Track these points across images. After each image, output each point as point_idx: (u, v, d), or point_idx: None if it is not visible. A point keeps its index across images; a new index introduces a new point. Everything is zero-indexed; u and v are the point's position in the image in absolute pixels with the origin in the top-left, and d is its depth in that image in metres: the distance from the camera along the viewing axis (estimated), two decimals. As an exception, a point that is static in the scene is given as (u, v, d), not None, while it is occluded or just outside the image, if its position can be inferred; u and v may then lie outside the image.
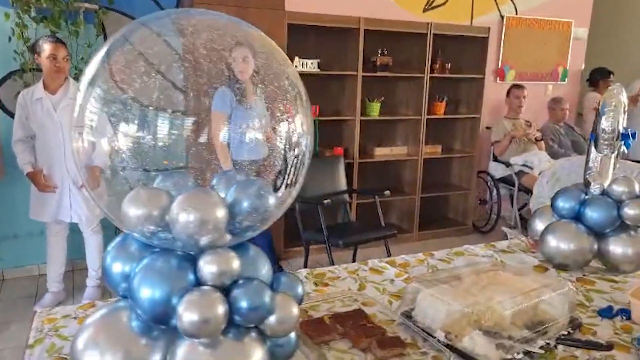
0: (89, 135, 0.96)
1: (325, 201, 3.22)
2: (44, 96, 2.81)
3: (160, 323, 0.90)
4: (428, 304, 1.24)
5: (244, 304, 0.89)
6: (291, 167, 0.91)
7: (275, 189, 0.91)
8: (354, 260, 3.45)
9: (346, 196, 3.87)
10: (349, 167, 4.11)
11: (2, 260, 3.40)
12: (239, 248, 0.99)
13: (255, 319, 0.91)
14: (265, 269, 1.01)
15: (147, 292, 0.88)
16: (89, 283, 3.15)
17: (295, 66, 3.86)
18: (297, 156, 0.92)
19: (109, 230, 3.34)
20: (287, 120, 0.94)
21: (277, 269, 3.26)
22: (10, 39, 3.01)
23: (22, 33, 2.99)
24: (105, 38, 3.43)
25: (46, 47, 2.73)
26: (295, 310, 0.96)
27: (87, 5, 3.14)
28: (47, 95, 2.82)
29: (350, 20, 3.91)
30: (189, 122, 0.96)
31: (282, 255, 3.94)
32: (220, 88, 3.57)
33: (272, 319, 0.94)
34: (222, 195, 0.94)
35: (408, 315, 1.28)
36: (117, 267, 0.98)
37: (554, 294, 1.27)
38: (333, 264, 2.31)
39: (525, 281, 1.33)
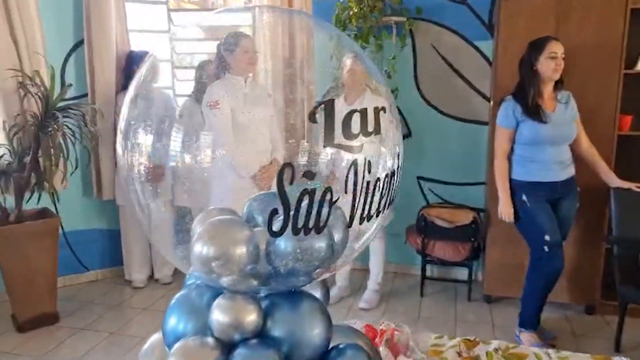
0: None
1: (649, 249, 2.31)
2: (342, 105, 3.08)
3: None
4: None
5: (239, 375, 0.68)
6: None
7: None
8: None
9: None
10: None
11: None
12: (283, 298, 0.77)
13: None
14: (316, 331, 0.75)
15: (172, 321, 0.79)
16: (369, 286, 3.28)
17: (643, 64, 2.92)
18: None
19: (390, 237, 3.39)
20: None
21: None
22: (332, 57, 3.42)
23: (338, 51, 3.35)
24: (414, 48, 3.47)
25: (347, 63, 2.97)
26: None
27: (394, 18, 3.24)
28: (344, 104, 3.08)
29: None
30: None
31: (596, 308, 3.10)
32: (505, 99, 3.02)
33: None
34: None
35: None
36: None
37: None
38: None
39: None
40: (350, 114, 0.71)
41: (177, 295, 0.83)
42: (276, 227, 0.64)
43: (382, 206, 0.75)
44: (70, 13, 3.34)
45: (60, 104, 2.80)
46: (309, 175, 0.67)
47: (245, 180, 2.76)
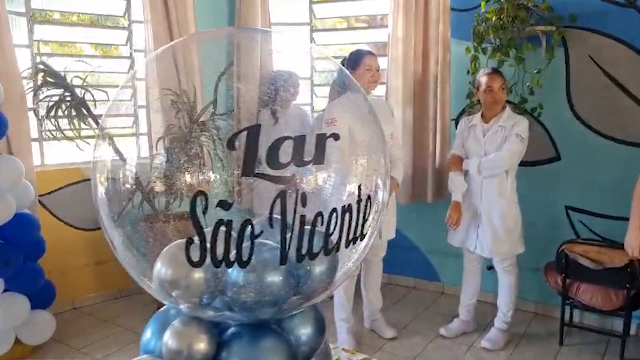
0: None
1: None
2: (478, 123, 2.84)
3: None
4: None
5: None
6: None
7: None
8: None
9: None
10: None
11: (444, 275, 3.70)
12: (245, 331, 0.71)
13: None
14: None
15: (146, 335, 0.80)
16: (495, 323, 2.95)
17: None
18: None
19: (523, 271, 3.00)
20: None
21: None
22: (468, 72, 3.19)
23: (475, 66, 3.12)
24: (567, 61, 3.05)
25: (482, 80, 2.75)
26: None
27: (541, 28, 2.89)
28: (481, 122, 2.84)
29: None
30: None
31: None
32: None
33: None
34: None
35: None
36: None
37: None
38: None
39: None
40: (279, 141, 0.63)
41: (160, 310, 0.84)
42: (195, 257, 0.60)
43: (332, 244, 0.65)
44: (225, 38, 3.72)
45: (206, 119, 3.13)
46: (224, 205, 0.61)
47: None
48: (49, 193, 3.29)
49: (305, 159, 0.66)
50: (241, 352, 0.70)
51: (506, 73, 2.94)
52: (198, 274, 0.71)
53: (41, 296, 2.84)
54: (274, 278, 0.67)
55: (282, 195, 0.64)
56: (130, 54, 3.61)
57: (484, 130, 2.81)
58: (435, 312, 3.38)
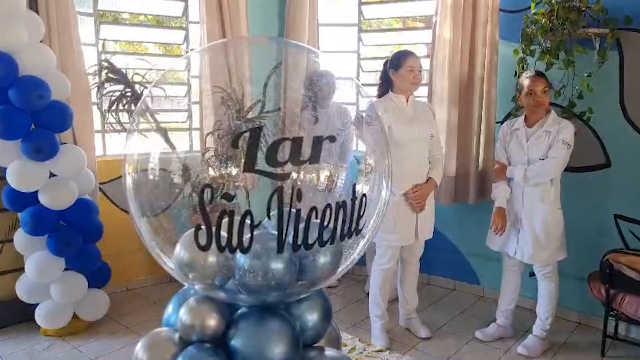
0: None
1: None
2: (521, 128, 2.80)
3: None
4: None
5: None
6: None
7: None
8: None
9: None
10: None
11: (484, 278, 3.66)
12: (253, 311, 0.79)
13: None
14: (276, 350, 0.75)
15: (168, 310, 0.90)
16: (533, 330, 2.90)
17: None
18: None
19: (568, 280, 2.93)
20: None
21: None
22: (516, 73, 3.14)
23: (522, 68, 3.06)
24: (621, 64, 2.93)
25: (525, 83, 2.71)
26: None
27: (594, 30, 2.80)
28: (524, 127, 2.80)
29: None
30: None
31: None
32: None
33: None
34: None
35: None
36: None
37: None
38: None
39: None
40: (279, 141, 0.71)
41: (183, 287, 0.94)
42: (202, 242, 0.69)
43: (326, 237, 0.72)
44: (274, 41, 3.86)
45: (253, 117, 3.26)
46: (228, 197, 0.70)
47: (398, 197, 2.78)
48: (109, 181, 3.54)
49: (302, 159, 0.73)
50: (247, 331, 0.78)
51: (555, 76, 2.88)
52: (211, 258, 0.80)
53: (98, 276, 3.08)
54: (277, 265, 0.75)
55: (279, 190, 0.71)
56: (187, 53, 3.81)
57: (527, 135, 2.76)
58: (473, 315, 3.36)
